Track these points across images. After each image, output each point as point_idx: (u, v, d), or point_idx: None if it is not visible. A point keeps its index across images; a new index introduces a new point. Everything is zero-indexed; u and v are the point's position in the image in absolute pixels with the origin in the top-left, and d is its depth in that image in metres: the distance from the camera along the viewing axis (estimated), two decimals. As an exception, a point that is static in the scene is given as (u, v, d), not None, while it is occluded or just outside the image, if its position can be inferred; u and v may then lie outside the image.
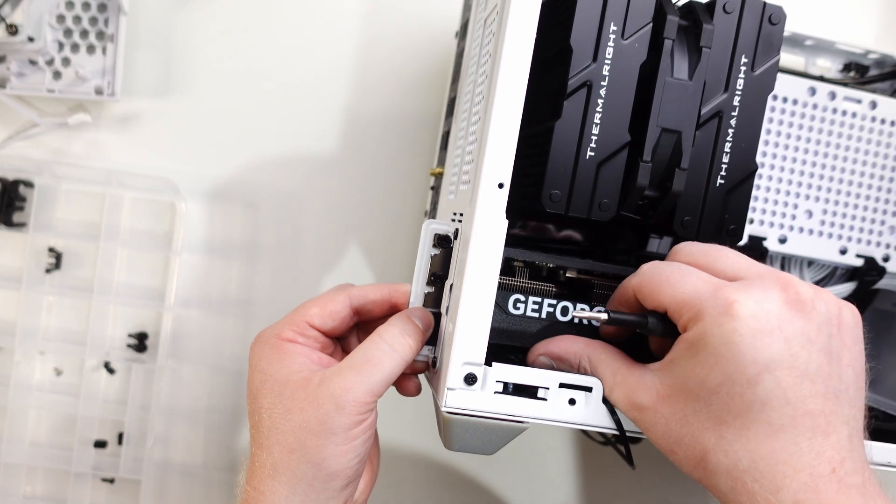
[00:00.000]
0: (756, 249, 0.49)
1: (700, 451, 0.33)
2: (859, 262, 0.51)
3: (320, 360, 0.39)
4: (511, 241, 0.49)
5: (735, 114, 0.40)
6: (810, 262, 0.53)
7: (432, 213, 0.53)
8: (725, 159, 0.40)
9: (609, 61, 0.39)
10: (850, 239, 0.51)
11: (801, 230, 0.50)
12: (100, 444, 0.61)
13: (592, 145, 0.39)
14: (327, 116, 0.61)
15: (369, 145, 0.62)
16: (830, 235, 0.51)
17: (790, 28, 0.55)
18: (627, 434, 0.37)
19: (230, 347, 0.61)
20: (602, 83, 0.39)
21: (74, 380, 0.61)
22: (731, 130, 0.40)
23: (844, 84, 0.58)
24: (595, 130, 0.39)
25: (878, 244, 0.51)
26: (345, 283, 0.43)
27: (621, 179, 0.39)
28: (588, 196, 0.39)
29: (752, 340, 0.31)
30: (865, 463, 0.33)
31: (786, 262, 0.52)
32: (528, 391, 0.37)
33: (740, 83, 0.40)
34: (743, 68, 0.40)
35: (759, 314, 0.31)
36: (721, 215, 0.41)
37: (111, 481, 0.61)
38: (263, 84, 0.61)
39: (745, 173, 0.41)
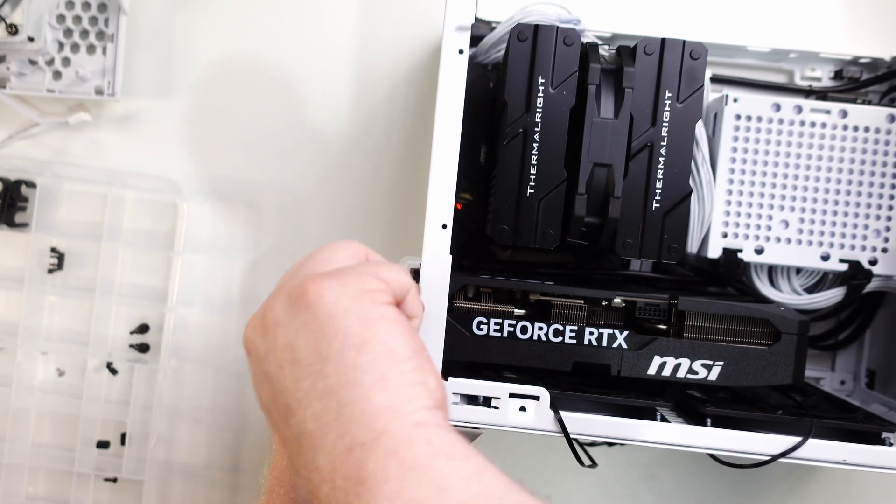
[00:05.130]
0: (732, 262, 0.52)
1: None
2: (843, 267, 0.52)
3: None
4: (504, 267, 0.54)
5: (665, 143, 0.44)
6: (798, 270, 0.54)
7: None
8: (659, 185, 0.44)
9: (540, 109, 0.44)
10: (831, 245, 0.52)
11: (779, 240, 0.52)
12: (102, 445, 0.61)
13: (532, 184, 0.44)
14: (329, 115, 0.62)
15: (372, 144, 0.62)
16: (810, 243, 0.52)
17: (772, 44, 0.58)
18: (572, 436, 0.42)
19: (233, 347, 0.62)
20: (536, 129, 0.44)
21: (77, 380, 0.62)
22: (661, 159, 0.44)
23: (839, 91, 0.59)
24: (533, 171, 0.44)
25: (864, 248, 0.52)
26: None
27: (562, 211, 0.45)
28: (532, 228, 0.45)
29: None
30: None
31: (773, 271, 0.54)
32: (484, 401, 0.43)
33: (667, 115, 0.44)
34: (668, 101, 0.44)
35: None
36: (660, 236, 0.45)
37: (114, 481, 0.62)
38: (264, 83, 0.61)
39: (679, 196, 0.45)
